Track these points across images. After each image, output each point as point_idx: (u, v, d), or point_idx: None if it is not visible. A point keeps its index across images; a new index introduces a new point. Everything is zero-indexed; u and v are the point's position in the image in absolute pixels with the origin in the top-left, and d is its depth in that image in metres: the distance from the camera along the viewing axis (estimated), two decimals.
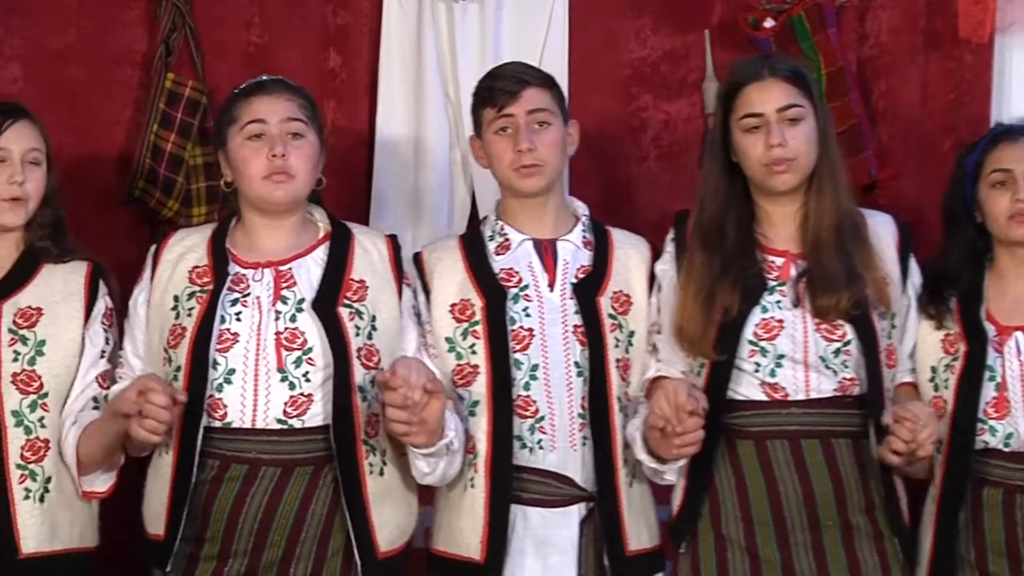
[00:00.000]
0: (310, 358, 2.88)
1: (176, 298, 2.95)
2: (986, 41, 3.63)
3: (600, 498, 2.94)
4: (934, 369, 3.02)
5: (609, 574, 2.94)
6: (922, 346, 3.04)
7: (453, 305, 3.01)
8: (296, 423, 2.87)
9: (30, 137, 3.03)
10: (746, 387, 2.91)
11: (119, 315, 3.08)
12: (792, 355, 2.89)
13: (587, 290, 3.00)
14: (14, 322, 2.97)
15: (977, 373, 2.94)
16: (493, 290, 2.99)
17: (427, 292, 3.04)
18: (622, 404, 2.97)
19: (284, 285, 2.93)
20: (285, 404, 2.86)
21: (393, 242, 3.07)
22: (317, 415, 2.88)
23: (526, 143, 2.97)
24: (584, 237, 3.07)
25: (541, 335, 2.96)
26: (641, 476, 2.98)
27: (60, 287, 3.03)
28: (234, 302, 2.91)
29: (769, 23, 3.69)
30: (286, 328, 2.89)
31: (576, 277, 3.01)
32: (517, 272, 3.01)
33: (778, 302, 2.92)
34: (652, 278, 3.06)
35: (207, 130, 3.64)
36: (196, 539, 2.88)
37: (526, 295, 2.99)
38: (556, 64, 3.63)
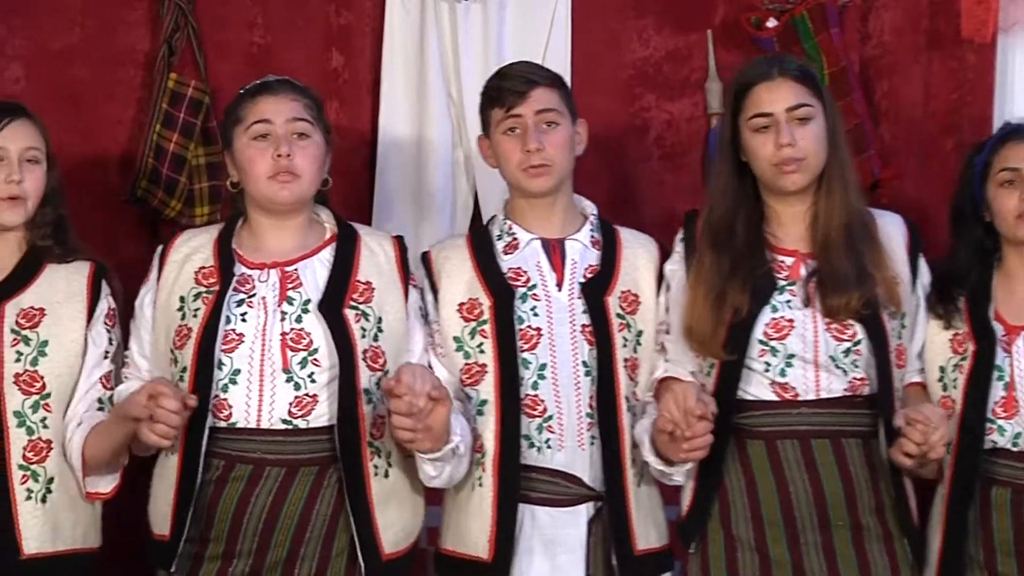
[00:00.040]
0: (315, 359, 2.87)
1: (182, 299, 2.94)
2: (988, 41, 3.64)
3: (608, 497, 2.93)
4: (943, 369, 3.02)
5: (617, 574, 2.93)
6: (931, 346, 3.04)
7: (461, 304, 3.00)
8: (301, 423, 2.86)
9: (28, 136, 3.02)
10: (756, 387, 2.91)
11: (122, 315, 3.06)
12: (802, 355, 2.89)
13: (595, 289, 2.99)
14: (16, 322, 2.96)
15: (986, 373, 2.94)
16: (501, 289, 2.98)
17: (435, 291, 3.03)
18: (630, 404, 2.97)
19: (290, 286, 2.93)
20: (290, 404, 2.85)
21: (400, 243, 3.06)
22: (322, 415, 2.87)
23: (534, 143, 2.96)
24: (592, 236, 3.06)
25: (549, 334, 2.96)
26: (649, 476, 2.98)
27: (62, 287, 3.02)
28: (240, 303, 2.90)
29: (772, 23, 3.69)
30: (292, 329, 2.88)
31: (584, 276, 3.01)
32: (525, 271, 3.01)
33: (788, 302, 2.92)
34: (660, 277, 3.06)
35: (210, 130, 3.65)
36: (201, 539, 2.88)
37: (534, 294, 2.99)
38: (559, 64, 3.61)
